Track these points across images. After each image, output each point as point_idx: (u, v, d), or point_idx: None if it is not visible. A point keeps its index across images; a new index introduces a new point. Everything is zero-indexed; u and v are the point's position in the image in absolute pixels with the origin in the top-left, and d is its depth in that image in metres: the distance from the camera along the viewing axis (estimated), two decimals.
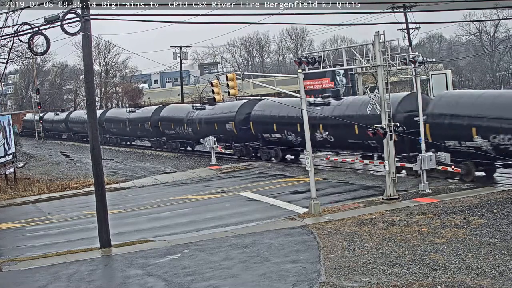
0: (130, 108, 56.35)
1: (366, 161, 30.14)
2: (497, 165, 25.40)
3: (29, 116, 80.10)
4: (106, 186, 21.65)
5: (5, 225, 25.49)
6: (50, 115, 77.34)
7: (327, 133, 32.04)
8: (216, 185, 31.35)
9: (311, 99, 33.33)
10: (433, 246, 15.85)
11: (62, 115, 73.06)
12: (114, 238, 19.69)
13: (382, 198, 22.69)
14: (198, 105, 45.50)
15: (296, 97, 23.52)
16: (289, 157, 37.06)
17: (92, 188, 22.13)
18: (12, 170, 36.01)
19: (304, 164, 23.66)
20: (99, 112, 58.20)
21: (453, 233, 16.95)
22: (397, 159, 24.90)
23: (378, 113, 22.88)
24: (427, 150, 24.93)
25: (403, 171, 27.65)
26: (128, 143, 59.18)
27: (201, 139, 39.98)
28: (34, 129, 75.68)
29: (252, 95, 40.78)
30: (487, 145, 24.27)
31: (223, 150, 40.04)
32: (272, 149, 37.03)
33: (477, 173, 25.43)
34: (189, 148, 47.55)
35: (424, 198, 22.43)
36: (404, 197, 22.88)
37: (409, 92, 31.57)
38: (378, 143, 27.58)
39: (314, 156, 30.95)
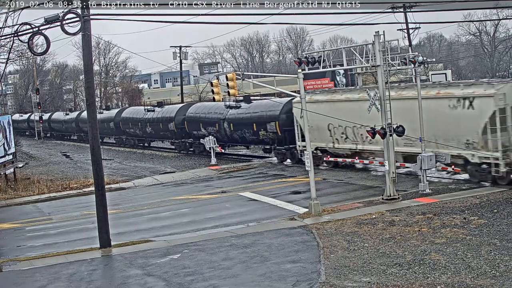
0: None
1: (366, 161, 30.13)
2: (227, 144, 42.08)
3: None
4: (106, 186, 21.64)
5: (5, 225, 25.49)
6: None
7: (150, 128, 50.14)
8: (216, 185, 31.36)
9: (148, 107, 52.06)
10: (433, 246, 15.85)
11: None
12: (114, 238, 19.69)
13: (382, 198, 22.69)
14: (99, 110, 62.09)
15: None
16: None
17: (92, 188, 22.12)
18: (12, 170, 36.01)
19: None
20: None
21: (453, 233, 16.95)
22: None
23: (378, 112, 22.86)
24: (187, 138, 45.46)
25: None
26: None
27: (201, 139, 40.63)
28: None
29: (252, 95, 42.40)
30: (206, 132, 41.59)
31: (222, 150, 40.40)
32: (132, 139, 55.74)
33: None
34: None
35: (424, 198, 22.43)
36: (404, 197, 22.88)
37: (188, 103, 51.32)
38: (170, 134, 46.85)
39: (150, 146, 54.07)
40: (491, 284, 12.75)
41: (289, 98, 34.12)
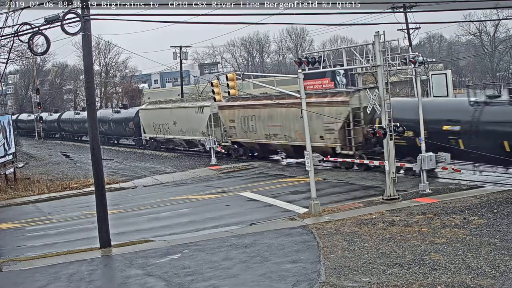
0: None
1: (366, 161, 30.13)
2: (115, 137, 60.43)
3: None
4: (106, 186, 21.63)
5: (5, 225, 25.48)
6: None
7: (72, 127, 68.09)
8: (216, 185, 31.35)
9: (74, 112, 70.42)
10: (433, 246, 15.85)
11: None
12: (114, 238, 19.69)
13: (382, 198, 22.69)
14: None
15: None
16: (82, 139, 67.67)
17: (92, 188, 22.12)
18: (12, 170, 36.00)
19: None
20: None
21: (453, 233, 16.95)
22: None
23: (378, 113, 22.88)
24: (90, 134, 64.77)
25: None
26: None
27: (201, 139, 40.95)
28: None
29: (252, 95, 42.88)
30: (103, 129, 55.73)
31: (222, 150, 40.52)
32: (69, 135, 70.80)
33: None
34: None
35: (424, 198, 22.43)
36: (404, 197, 22.88)
37: (99, 109, 65.50)
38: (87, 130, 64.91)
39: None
40: (491, 284, 12.75)
41: (140, 107, 54.34)
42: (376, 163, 29.07)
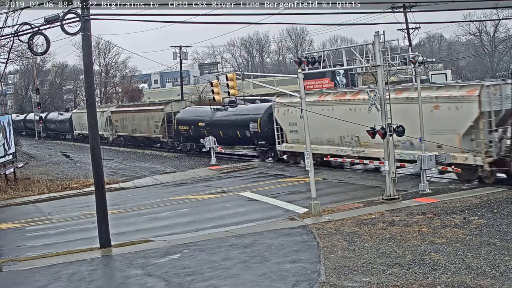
0: None
1: (366, 161, 30.14)
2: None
3: None
4: (106, 186, 21.63)
5: (5, 225, 25.48)
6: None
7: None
8: (216, 185, 31.35)
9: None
10: (433, 246, 15.86)
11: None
12: (114, 238, 19.69)
13: (382, 198, 22.69)
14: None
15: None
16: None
17: (92, 188, 22.11)
18: (12, 170, 35.99)
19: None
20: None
21: (453, 233, 16.95)
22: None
23: (378, 112, 22.87)
24: (47, 130, 78.91)
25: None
26: None
27: (201, 140, 40.91)
28: None
29: (252, 95, 43.26)
30: (52, 127, 76.42)
31: (223, 150, 40.64)
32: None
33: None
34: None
35: (424, 198, 22.43)
36: (404, 197, 22.87)
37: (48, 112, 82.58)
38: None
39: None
40: (491, 284, 12.75)
41: (73, 111, 71.12)
42: (377, 163, 29.10)
